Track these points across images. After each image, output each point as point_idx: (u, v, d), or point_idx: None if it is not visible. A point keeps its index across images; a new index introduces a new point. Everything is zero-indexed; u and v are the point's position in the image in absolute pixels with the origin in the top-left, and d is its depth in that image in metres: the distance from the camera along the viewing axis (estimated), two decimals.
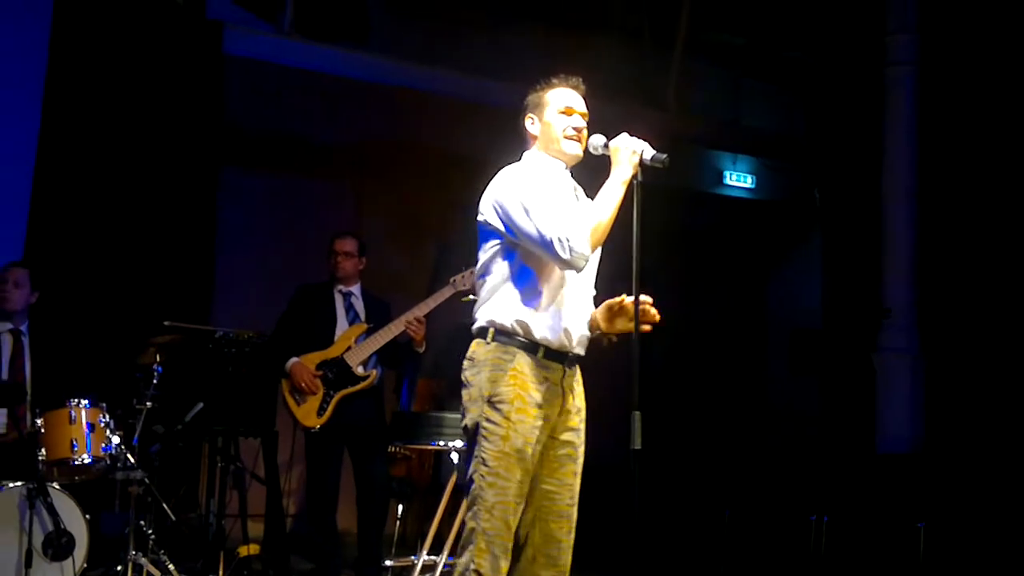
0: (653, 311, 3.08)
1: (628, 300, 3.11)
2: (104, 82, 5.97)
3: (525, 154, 3.29)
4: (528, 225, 3.03)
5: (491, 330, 3.07)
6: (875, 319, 7.37)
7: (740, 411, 7.69)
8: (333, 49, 6.50)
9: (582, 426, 3.18)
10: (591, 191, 3.19)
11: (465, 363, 3.11)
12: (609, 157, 3.16)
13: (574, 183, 3.28)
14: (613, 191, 3.07)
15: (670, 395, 7.10)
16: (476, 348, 3.09)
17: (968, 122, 7.16)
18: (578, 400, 3.19)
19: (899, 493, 5.83)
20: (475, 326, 3.13)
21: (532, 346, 3.06)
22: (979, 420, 6.83)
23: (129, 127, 6.04)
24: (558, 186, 3.19)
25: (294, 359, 5.14)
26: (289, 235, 6.38)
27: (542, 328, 3.07)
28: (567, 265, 3.03)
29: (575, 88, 3.30)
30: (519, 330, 3.05)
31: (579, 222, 3.03)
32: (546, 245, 2.99)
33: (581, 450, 3.17)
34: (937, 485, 5.81)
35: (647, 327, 3.06)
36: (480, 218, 3.18)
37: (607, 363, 3.24)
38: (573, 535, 3.15)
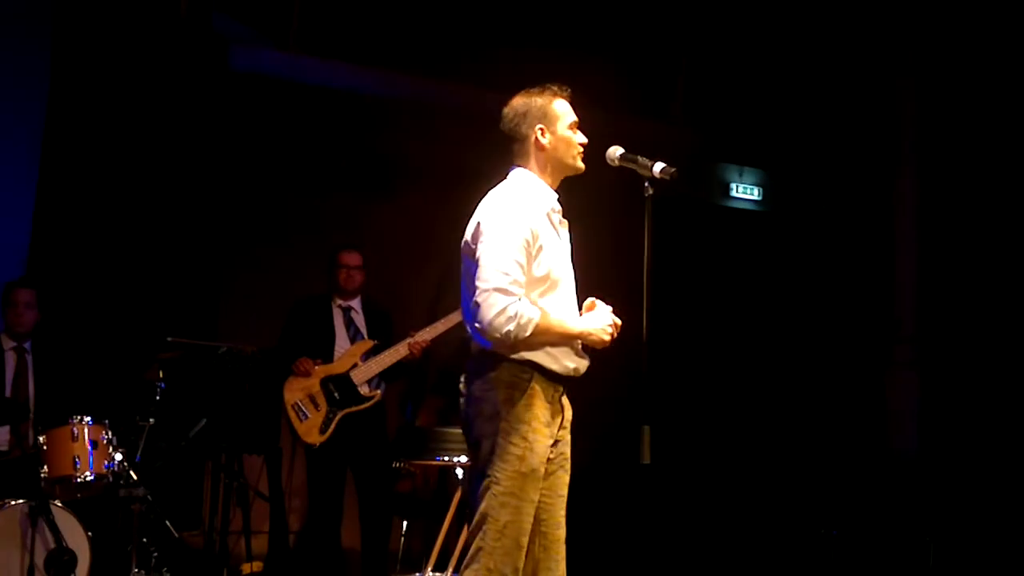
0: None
1: (595, 302, 3.16)
2: (106, 98, 5.98)
3: (517, 174, 3.19)
4: (488, 262, 2.97)
5: (503, 358, 3.02)
6: (887, 333, 7.39)
7: (750, 423, 7.65)
8: (338, 63, 6.51)
9: (570, 436, 3.19)
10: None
11: (472, 378, 3.06)
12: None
13: (559, 206, 3.21)
14: (567, 332, 3.04)
15: (674, 408, 7.07)
16: (487, 365, 3.03)
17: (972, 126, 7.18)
18: (569, 412, 3.19)
19: (906, 501, 5.78)
20: (480, 350, 3.06)
21: (544, 371, 3.05)
22: (976, 430, 6.81)
23: (132, 142, 6.05)
24: (549, 233, 3.10)
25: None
26: (294, 250, 6.38)
27: (552, 362, 3.05)
28: (480, 328, 2.95)
29: (569, 100, 3.25)
30: (530, 362, 3.02)
31: (534, 308, 2.96)
32: (484, 291, 2.93)
33: (569, 457, 3.17)
34: (938, 492, 5.76)
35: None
36: (469, 244, 3.10)
37: (591, 372, 3.24)
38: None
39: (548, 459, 3.07)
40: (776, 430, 7.51)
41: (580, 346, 3.14)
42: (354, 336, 5.43)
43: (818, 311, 7.76)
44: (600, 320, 3.11)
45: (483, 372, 3.04)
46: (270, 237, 6.39)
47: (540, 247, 3.05)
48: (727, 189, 8.15)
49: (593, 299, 3.19)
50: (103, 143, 5.97)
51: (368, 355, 5.34)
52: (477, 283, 2.98)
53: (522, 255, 2.99)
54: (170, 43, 6.08)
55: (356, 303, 5.52)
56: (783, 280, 7.88)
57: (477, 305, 2.97)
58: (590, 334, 3.08)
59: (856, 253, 7.75)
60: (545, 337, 3.00)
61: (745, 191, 8.25)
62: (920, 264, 7.35)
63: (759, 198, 8.27)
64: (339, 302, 5.49)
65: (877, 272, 7.53)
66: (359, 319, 5.49)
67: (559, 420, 3.12)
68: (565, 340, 3.06)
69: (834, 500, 6.23)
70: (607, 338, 3.10)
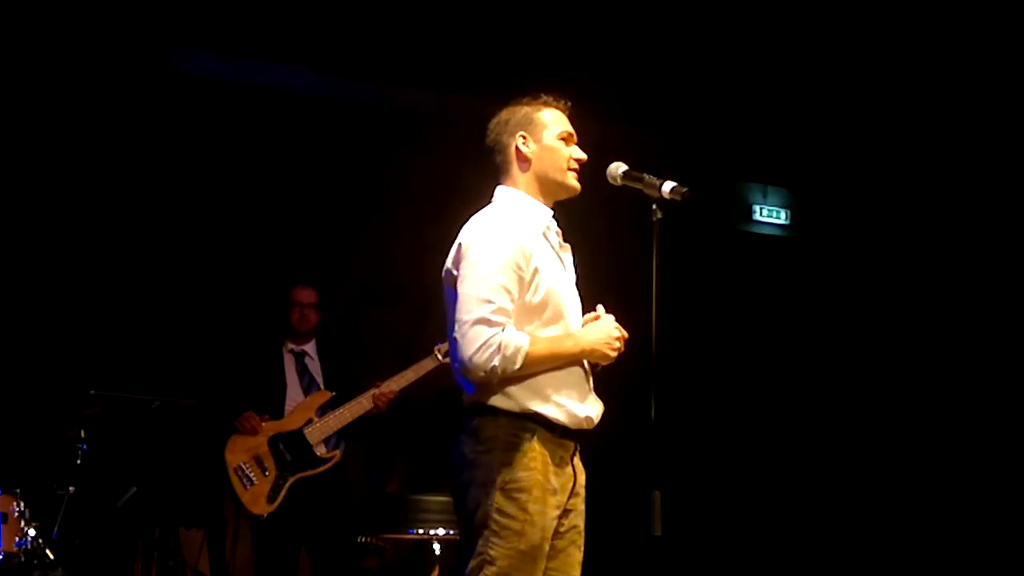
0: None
1: (600, 310, 3.20)
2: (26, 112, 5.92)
3: (502, 193, 3.21)
4: (469, 290, 2.97)
5: (499, 412, 3.02)
6: None
7: (784, 490, 7.60)
8: (283, 66, 6.49)
9: (584, 505, 3.17)
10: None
11: (464, 437, 3.04)
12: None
13: (557, 227, 3.23)
14: (565, 352, 3.04)
15: (689, 470, 7.02)
16: (482, 422, 3.02)
17: None
18: (582, 476, 3.17)
19: None
20: (473, 402, 3.06)
21: (550, 425, 3.03)
22: None
23: (49, 152, 5.98)
24: (546, 255, 3.11)
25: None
26: (240, 284, 6.31)
27: (558, 413, 3.04)
28: (462, 367, 2.95)
29: (565, 112, 3.26)
30: (533, 415, 3.01)
31: (521, 335, 2.96)
32: (463, 324, 2.94)
33: (583, 531, 3.16)
34: None
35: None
36: (450, 271, 3.11)
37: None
38: None
39: (557, 533, 3.04)
40: (820, 496, 7.45)
41: (592, 384, 3.13)
42: (308, 386, 5.41)
43: (856, 350, 7.74)
44: (602, 331, 3.11)
45: (476, 430, 3.02)
46: (212, 268, 6.31)
47: (535, 270, 3.04)
48: (750, 212, 8.17)
49: (600, 306, 3.20)
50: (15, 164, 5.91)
51: (325, 409, 5.31)
52: (457, 315, 2.99)
53: (510, 280, 2.98)
54: (99, 38, 6.02)
55: (311, 347, 5.51)
56: (815, 316, 7.86)
57: (456, 341, 2.97)
58: (592, 350, 3.07)
59: (896, 284, 7.75)
60: (541, 366, 3.00)
61: (770, 214, 8.26)
62: None
63: (786, 222, 8.28)
64: (291, 346, 5.48)
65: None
66: (314, 366, 5.48)
67: (570, 486, 3.09)
68: (564, 363, 3.04)
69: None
70: (612, 353, 3.10)
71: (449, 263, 3.11)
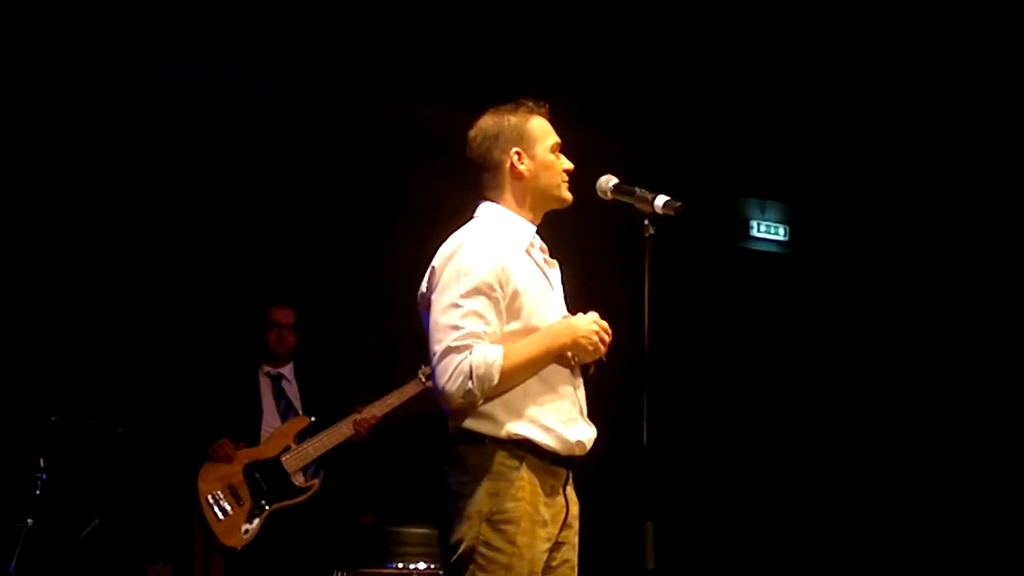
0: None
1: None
2: None
3: (486, 209, 3.21)
4: (438, 318, 2.99)
5: (486, 439, 3.01)
6: None
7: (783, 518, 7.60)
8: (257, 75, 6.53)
9: (576, 537, 3.16)
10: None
11: (449, 466, 3.03)
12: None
13: (542, 243, 3.24)
14: (544, 350, 3.04)
15: (683, 500, 7.01)
16: (467, 449, 3.02)
17: None
18: (575, 506, 3.15)
19: None
20: (457, 428, 3.05)
21: (539, 451, 3.02)
22: None
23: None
24: (530, 275, 3.12)
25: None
26: (213, 304, 6.29)
27: (549, 438, 3.03)
28: (441, 399, 2.98)
29: (547, 115, 3.27)
30: (521, 442, 3.01)
31: (493, 348, 2.95)
32: (435, 355, 2.96)
33: (576, 566, 3.15)
34: None
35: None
36: (424, 295, 3.12)
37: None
38: None
39: (547, 567, 3.03)
40: (826, 526, 7.45)
41: (583, 407, 3.12)
42: (286, 412, 5.43)
43: (860, 376, 7.74)
44: (582, 322, 3.10)
45: (460, 458, 3.01)
46: (184, 286, 6.29)
47: (515, 292, 3.04)
48: (746, 228, 8.19)
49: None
50: None
51: (303, 435, 5.32)
52: (429, 344, 3.01)
53: (482, 304, 2.98)
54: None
55: (288, 370, 5.53)
56: (815, 339, 7.85)
57: (432, 373, 3.01)
58: (574, 342, 3.06)
59: (902, 304, 7.76)
60: (526, 372, 3.00)
61: (768, 230, 8.27)
62: None
63: (785, 238, 8.29)
64: (267, 369, 5.49)
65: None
66: (292, 390, 5.50)
67: (561, 517, 3.08)
68: (548, 360, 3.04)
69: None
70: (592, 347, 3.08)
71: (423, 286, 3.12)
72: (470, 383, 2.91)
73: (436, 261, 3.10)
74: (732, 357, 7.73)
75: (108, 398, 5.80)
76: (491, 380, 2.93)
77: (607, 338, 3.12)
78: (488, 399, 2.98)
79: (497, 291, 3.01)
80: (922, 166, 7.65)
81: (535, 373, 3.04)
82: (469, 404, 2.96)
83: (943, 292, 7.68)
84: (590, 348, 3.09)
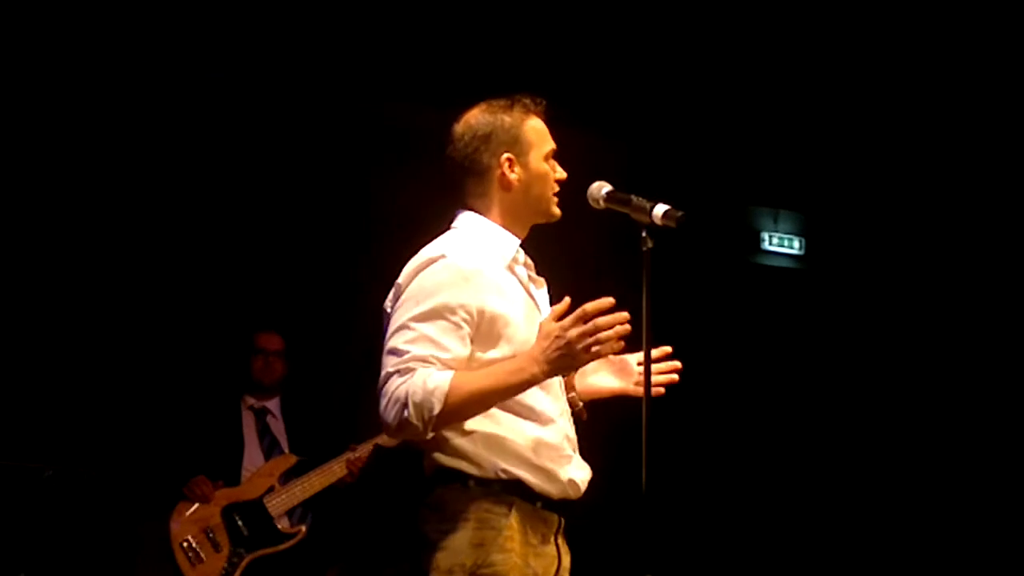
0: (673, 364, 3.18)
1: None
2: None
3: (466, 220, 3.07)
4: (391, 340, 2.84)
5: (470, 480, 2.90)
6: None
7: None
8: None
9: None
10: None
11: (426, 512, 2.91)
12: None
13: (527, 258, 3.11)
14: (509, 380, 2.78)
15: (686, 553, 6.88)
16: (447, 492, 2.90)
17: None
18: (567, 557, 3.05)
19: None
20: (434, 467, 2.92)
21: (530, 494, 2.91)
22: None
23: None
24: (511, 295, 2.97)
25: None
26: (193, 328, 6.13)
27: (541, 479, 2.90)
28: (382, 423, 2.79)
29: (543, 115, 3.14)
30: (509, 483, 2.89)
31: (440, 374, 2.76)
32: (380, 380, 2.80)
33: None
34: None
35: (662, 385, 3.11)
36: (388, 314, 2.98)
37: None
38: None
39: None
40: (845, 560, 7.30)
41: (575, 439, 3.02)
42: (270, 449, 5.36)
43: (879, 401, 7.64)
44: (545, 334, 2.77)
45: (440, 503, 2.89)
46: (153, 310, 6.12)
47: (493, 316, 2.89)
48: (758, 240, 8.10)
49: (567, 297, 2.89)
50: None
51: (289, 476, 5.24)
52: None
53: (439, 329, 2.82)
54: None
55: (274, 405, 5.48)
56: (832, 359, 7.73)
57: (382, 391, 2.82)
58: (549, 363, 2.75)
59: (931, 323, 7.67)
60: (476, 406, 2.79)
61: (781, 243, 8.21)
62: None
63: (799, 252, 8.22)
64: (251, 402, 5.45)
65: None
66: (277, 426, 5.45)
67: (552, 570, 3.00)
68: (506, 394, 2.81)
69: None
70: (576, 347, 2.73)
71: (387, 303, 3.01)
72: (406, 411, 2.74)
73: (402, 276, 2.99)
74: (742, 386, 7.59)
75: (34, 437, 5.58)
76: (431, 409, 2.74)
77: (595, 327, 2.74)
78: (451, 431, 2.83)
79: (461, 315, 2.85)
80: (952, 172, 7.61)
81: (494, 406, 2.85)
82: (413, 435, 2.81)
83: (973, 312, 7.61)
84: (584, 355, 2.75)
